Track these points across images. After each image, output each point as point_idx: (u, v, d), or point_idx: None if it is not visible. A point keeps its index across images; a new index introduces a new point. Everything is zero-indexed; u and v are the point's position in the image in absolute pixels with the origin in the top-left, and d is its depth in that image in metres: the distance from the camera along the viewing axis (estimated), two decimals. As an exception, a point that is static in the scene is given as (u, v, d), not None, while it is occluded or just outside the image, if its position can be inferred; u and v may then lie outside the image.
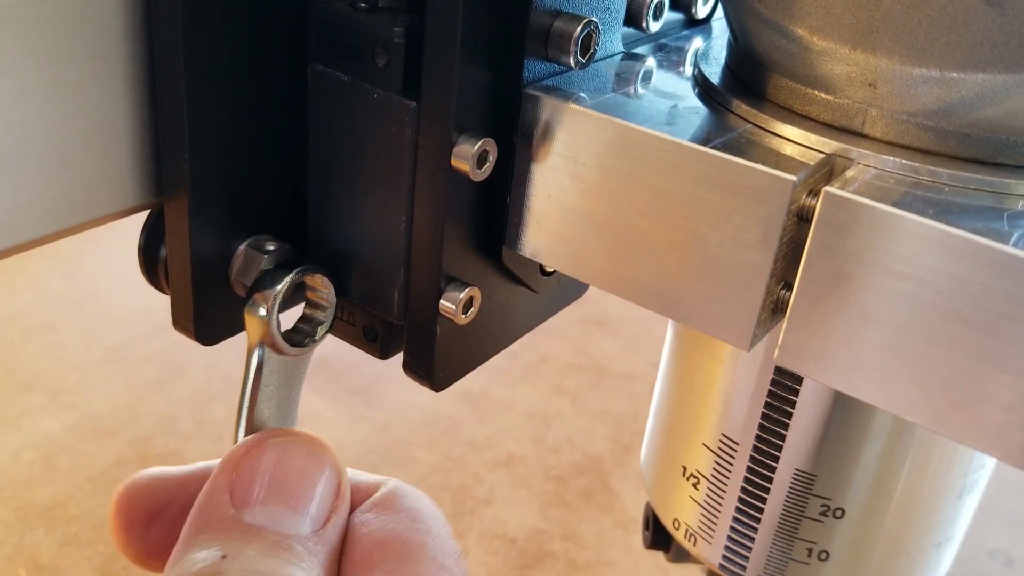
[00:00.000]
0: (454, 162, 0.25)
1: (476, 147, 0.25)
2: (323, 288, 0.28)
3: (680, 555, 0.34)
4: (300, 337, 0.28)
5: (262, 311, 0.26)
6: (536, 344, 0.75)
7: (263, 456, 0.25)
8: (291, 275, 0.26)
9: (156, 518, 0.28)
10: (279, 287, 0.26)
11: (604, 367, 0.74)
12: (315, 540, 0.24)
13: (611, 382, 0.72)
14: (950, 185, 0.22)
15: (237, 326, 0.28)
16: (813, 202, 0.22)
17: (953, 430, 0.21)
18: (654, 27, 0.31)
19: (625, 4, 0.29)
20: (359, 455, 0.58)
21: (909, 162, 0.23)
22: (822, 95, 0.24)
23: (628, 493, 0.60)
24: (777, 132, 0.24)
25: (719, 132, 0.24)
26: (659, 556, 0.37)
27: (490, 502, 0.58)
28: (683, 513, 0.32)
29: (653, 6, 0.30)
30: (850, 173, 0.23)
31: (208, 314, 0.28)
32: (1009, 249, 0.19)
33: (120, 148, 0.26)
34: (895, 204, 0.21)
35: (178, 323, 0.28)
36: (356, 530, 0.26)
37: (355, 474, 0.27)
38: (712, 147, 0.23)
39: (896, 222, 0.20)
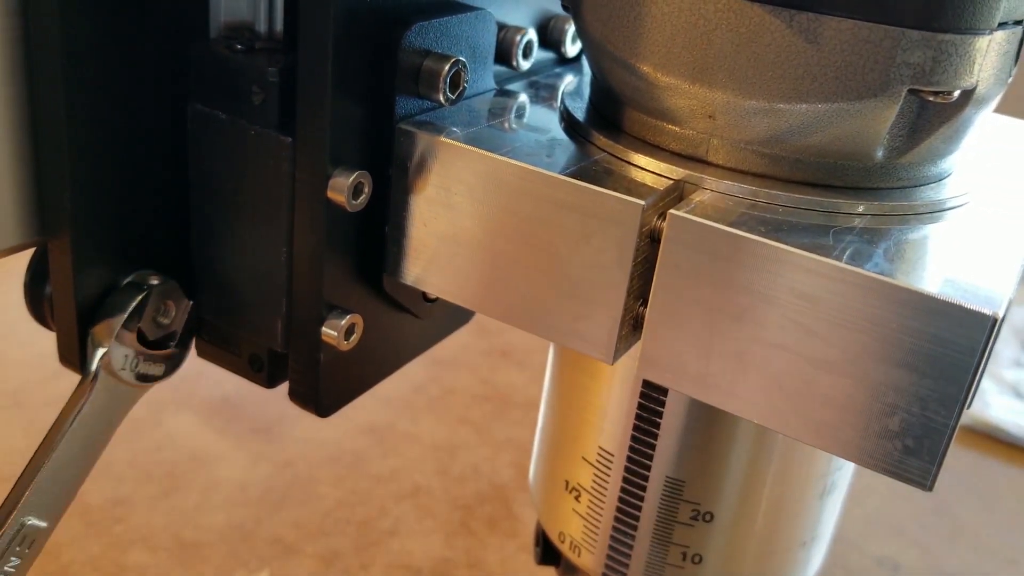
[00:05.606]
0: (330, 194, 0.26)
1: (351, 179, 0.26)
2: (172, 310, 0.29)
3: (568, 568, 0.35)
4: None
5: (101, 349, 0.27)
6: (442, 377, 0.76)
7: None
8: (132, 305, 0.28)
9: None
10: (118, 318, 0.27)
11: (508, 397, 0.75)
12: None
13: (515, 411, 0.73)
14: (784, 206, 0.24)
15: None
16: (662, 224, 0.24)
17: (795, 431, 0.23)
18: (524, 65, 0.32)
19: (494, 44, 0.30)
20: (261, 493, 0.58)
21: (748, 186, 0.25)
22: (670, 126, 0.26)
23: (532, 518, 0.61)
24: (632, 161, 0.26)
25: (579, 162, 0.26)
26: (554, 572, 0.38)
27: (395, 534, 0.59)
28: (568, 526, 0.33)
29: (522, 46, 0.32)
30: (696, 197, 0.25)
31: (94, 348, 0.28)
32: (828, 260, 0.21)
33: (1, 188, 0.27)
34: (732, 224, 0.23)
35: (64, 358, 0.29)
36: None
37: None
38: (570, 175, 0.25)
39: (733, 240, 0.22)
